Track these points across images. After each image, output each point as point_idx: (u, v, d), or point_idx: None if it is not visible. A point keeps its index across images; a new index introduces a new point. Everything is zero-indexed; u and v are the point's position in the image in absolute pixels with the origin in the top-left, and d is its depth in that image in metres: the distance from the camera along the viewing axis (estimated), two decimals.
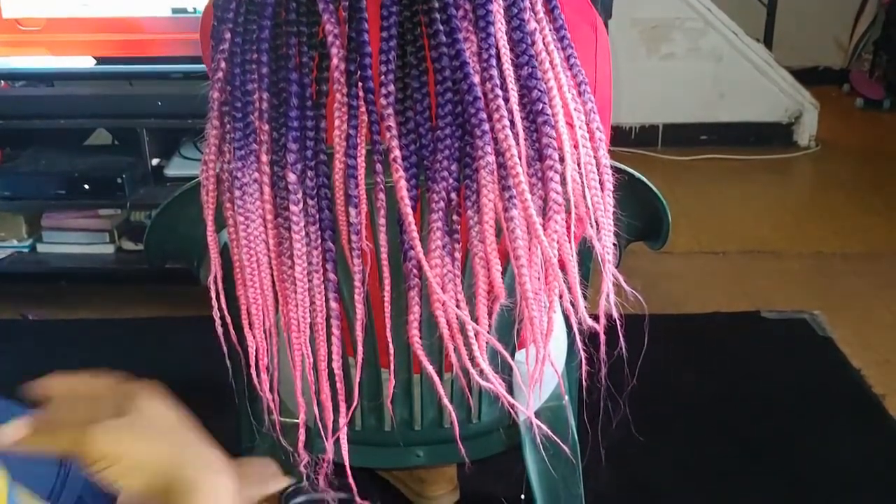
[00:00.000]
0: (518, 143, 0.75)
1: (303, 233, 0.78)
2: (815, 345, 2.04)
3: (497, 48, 0.75)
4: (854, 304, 2.25)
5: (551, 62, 0.77)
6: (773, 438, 1.69)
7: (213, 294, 0.84)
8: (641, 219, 0.96)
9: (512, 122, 0.75)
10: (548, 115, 0.76)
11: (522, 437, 1.04)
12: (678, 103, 3.54)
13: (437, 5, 0.75)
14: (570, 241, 0.77)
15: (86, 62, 2.06)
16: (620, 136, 3.54)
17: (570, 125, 0.78)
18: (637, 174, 0.92)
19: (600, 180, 0.80)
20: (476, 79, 0.74)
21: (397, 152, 0.76)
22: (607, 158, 0.81)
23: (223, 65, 0.80)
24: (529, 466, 1.06)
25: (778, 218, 2.93)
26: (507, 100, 0.75)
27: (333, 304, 0.81)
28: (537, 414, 1.07)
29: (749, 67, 3.50)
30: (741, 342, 2.07)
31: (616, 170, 0.84)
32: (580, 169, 0.77)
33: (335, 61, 0.77)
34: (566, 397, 1.08)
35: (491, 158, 0.74)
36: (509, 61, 0.76)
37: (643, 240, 1.03)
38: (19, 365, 1.96)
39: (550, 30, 0.79)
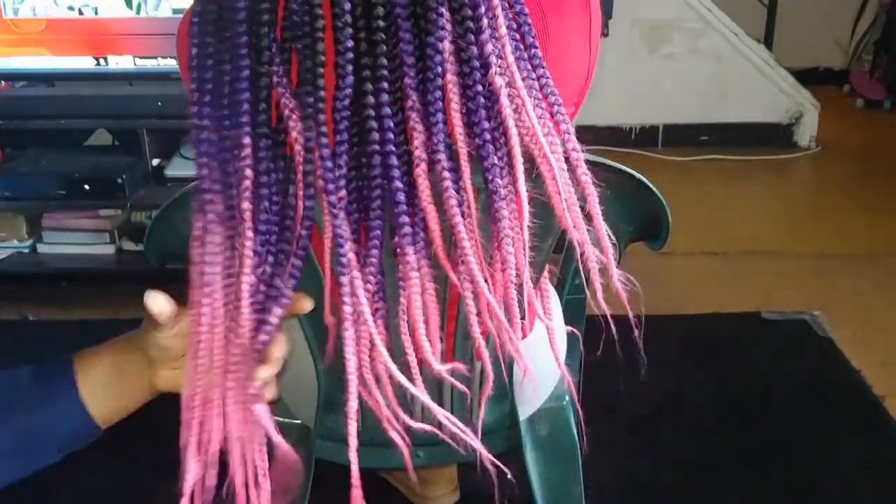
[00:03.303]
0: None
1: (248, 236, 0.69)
2: (816, 345, 2.04)
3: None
4: (854, 304, 2.25)
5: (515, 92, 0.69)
6: (773, 439, 1.69)
7: None
8: (642, 219, 0.96)
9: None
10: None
11: (523, 437, 1.04)
12: (678, 104, 3.54)
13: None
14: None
15: (86, 62, 2.06)
16: (620, 137, 3.55)
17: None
18: (637, 175, 0.92)
19: (575, 177, 0.74)
20: (399, 184, 0.67)
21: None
22: (578, 151, 0.73)
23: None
24: (530, 466, 1.06)
25: (778, 218, 2.93)
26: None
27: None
28: (538, 414, 1.07)
29: (749, 68, 3.50)
30: (741, 342, 2.07)
31: (616, 170, 0.84)
32: (557, 176, 0.71)
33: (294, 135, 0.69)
34: (566, 398, 1.08)
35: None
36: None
37: (643, 240, 1.03)
38: (19, 365, 1.96)
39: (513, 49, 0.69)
